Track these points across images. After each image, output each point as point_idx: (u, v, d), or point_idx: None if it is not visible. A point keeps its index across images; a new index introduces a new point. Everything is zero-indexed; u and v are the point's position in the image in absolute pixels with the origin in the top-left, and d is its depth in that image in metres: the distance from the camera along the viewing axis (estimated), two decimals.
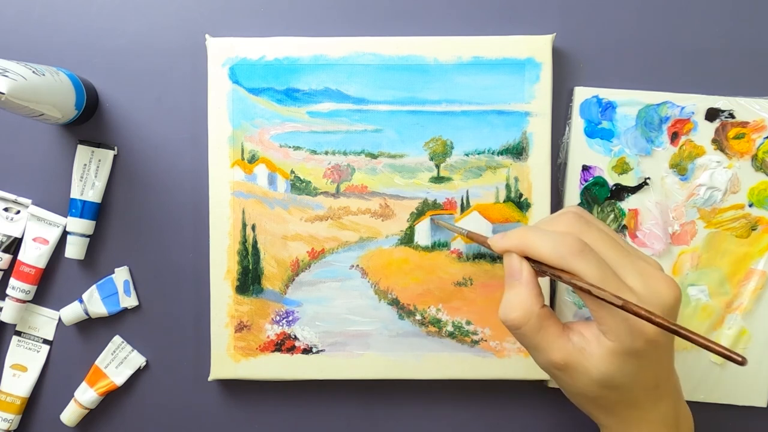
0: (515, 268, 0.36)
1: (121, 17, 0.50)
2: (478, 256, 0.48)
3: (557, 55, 0.49)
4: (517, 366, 0.48)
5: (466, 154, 0.48)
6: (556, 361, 0.34)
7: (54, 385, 0.51)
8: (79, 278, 0.51)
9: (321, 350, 0.49)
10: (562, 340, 0.35)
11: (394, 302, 0.49)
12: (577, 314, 0.49)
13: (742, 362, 0.28)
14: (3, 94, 0.38)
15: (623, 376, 0.34)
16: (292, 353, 0.49)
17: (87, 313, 0.50)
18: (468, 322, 0.48)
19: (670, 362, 0.36)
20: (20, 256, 0.50)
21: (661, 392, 0.35)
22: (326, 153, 0.48)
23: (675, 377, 0.37)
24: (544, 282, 0.48)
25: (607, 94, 0.49)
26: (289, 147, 0.48)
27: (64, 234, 0.50)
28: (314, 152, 0.48)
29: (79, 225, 0.49)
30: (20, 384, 0.51)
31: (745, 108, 0.48)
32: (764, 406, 0.49)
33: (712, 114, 0.48)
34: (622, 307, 0.31)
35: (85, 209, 0.49)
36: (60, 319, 0.51)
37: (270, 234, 0.49)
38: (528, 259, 0.36)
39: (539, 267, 0.35)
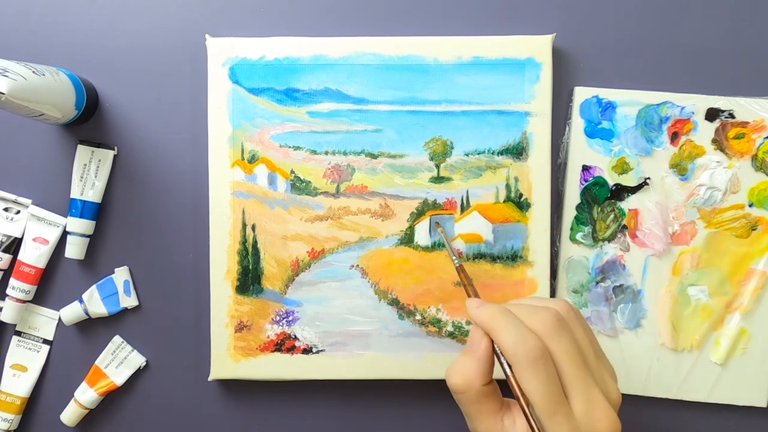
0: (476, 340, 0.37)
1: (121, 17, 0.50)
2: (478, 256, 0.48)
3: (557, 55, 0.49)
4: None
5: (466, 154, 0.48)
6: None
7: (54, 385, 0.51)
8: (79, 278, 0.51)
9: (321, 350, 0.49)
10: (492, 419, 0.36)
11: (394, 302, 0.49)
12: None
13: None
14: (3, 94, 0.38)
15: None
16: (292, 353, 0.49)
17: (87, 313, 0.50)
18: (468, 322, 0.48)
19: None
20: (20, 256, 0.50)
21: None
22: (326, 153, 0.48)
23: None
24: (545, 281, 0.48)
25: (607, 94, 0.49)
26: (289, 147, 0.48)
27: (64, 234, 0.50)
28: (314, 152, 0.48)
29: (79, 225, 0.49)
30: (20, 384, 0.51)
31: (745, 108, 0.48)
32: (764, 406, 0.49)
33: (712, 114, 0.48)
34: None
35: (85, 209, 0.49)
36: (60, 319, 0.51)
37: (270, 234, 0.49)
38: None
39: (497, 350, 0.36)
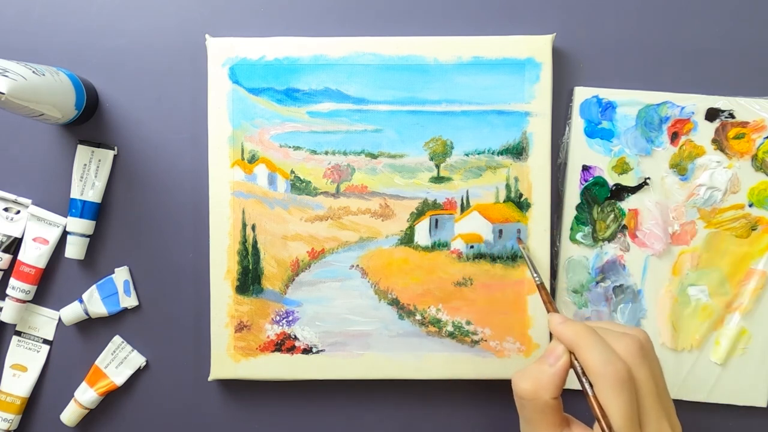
0: (555, 355, 0.37)
1: (121, 17, 0.50)
2: (478, 256, 0.48)
3: (557, 55, 0.49)
4: (517, 366, 0.48)
5: (466, 154, 0.48)
6: None
7: (54, 385, 0.51)
8: (79, 278, 0.51)
9: (321, 350, 0.49)
10: (553, 430, 0.36)
11: (394, 302, 0.49)
12: (577, 314, 0.49)
13: None
14: (3, 94, 0.38)
15: None
16: (292, 353, 0.49)
17: (87, 313, 0.50)
18: (468, 322, 0.48)
19: None
20: (20, 256, 0.50)
21: None
22: (326, 153, 0.48)
23: None
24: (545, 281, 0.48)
25: (607, 94, 0.49)
26: (289, 147, 0.48)
27: (64, 234, 0.50)
28: (314, 152, 0.48)
29: (79, 225, 0.49)
30: (20, 384, 0.51)
31: (745, 108, 0.48)
32: (764, 406, 0.49)
33: (712, 114, 0.48)
34: None
35: (85, 209, 0.49)
36: (60, 319, 0.51)
37: (270, 234, 0.49)
38: None
39: (577, 367, 0.36)
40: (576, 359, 0.36)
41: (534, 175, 0.48)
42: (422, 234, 0.49)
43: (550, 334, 0.42)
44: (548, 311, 0.41)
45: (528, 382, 0.36)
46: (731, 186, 0.48)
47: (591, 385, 0.35)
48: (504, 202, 0.48)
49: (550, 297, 0.42)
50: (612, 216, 0.49)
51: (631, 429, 0.33)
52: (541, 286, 0.43)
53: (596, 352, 0.35)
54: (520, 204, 0.48)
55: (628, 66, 0.50)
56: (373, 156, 0.48)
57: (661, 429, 0.34)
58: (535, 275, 0.44)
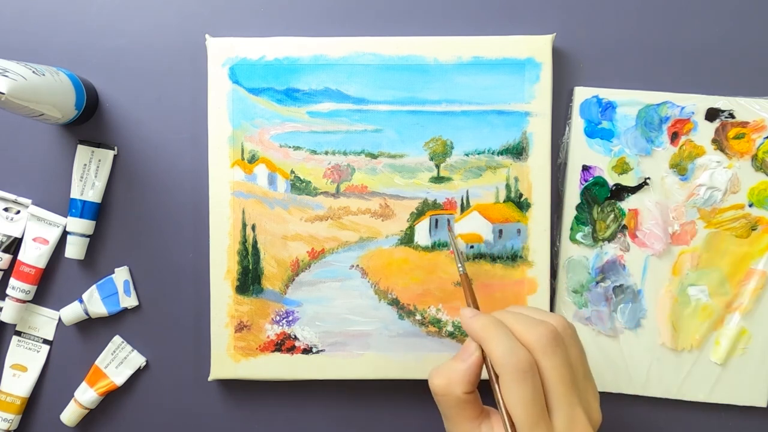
0: (469, 350, 0.37)
1: (121, 17, 0.50)
2: (478, 257, 0.48)
3: (557, 55, 0.49)
4: None
5: (466, 154, 0.48)
6: None
7: (54, 385, 0.51)
8: (79, 278, 0.51)
9: (321, 350, 0.49)
10: (470, 425, 0.36)
11: (394, 302, 0.49)
12: (576, 314, 0.49)
13: None
14: (3, 94, 0.38)
15: None
16: (292, 353, 0.49)
17: (87, 313, 0.50)
18: None
19: None
20: (20, 256, 0.50)
21: None
22: (326, 153, 0.48)
23: None
24: (545, 280, 0.48)
25: (607, 94, 0.49)
26: (289, 147, 0.48)
27: (64, 234, 0.50)
28: (314, 152, 0.48)
29: (79, 225, 0.49)
30: (20, 384, 0.51)
31: (745, 108, 0.48)
32: (764, 406, 0.49)
33: (712, 114, 0.48)
34: None
35: (85, 209, 0.49)
36: (60, 319, 0.51)
37: (270, 234, 0.49)
38: None
39: (488, 361, 0.36)
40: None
41: (534, 175, 0.48)
42: (422, 234, 0.49)
43: None
44: (466, 304, 0.41)
45: (440, 379, 0.37)
46: (731, 186, 0.48)
47: (497, 377, 0.35)
48: (504, 202, 0.48)
49: (471, 290, 0.42)
50: (612, 216, 0.49)
51: (534, 418, 0.33)
52: (464, 277, 0.43)
53: (499, 344, 0.35)
54: (520, 204, 0.48)
55: (628, 66, 0.50)
56: (373, 156, 0.48)
57: (574, 417, 0.34)
58: (459, 265, 0.44)
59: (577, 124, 0.49)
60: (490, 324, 0.36)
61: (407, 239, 0.49)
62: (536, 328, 0.36)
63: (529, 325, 0.36)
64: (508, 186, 0.48)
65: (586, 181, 0.49)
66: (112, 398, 0.51)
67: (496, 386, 0.35)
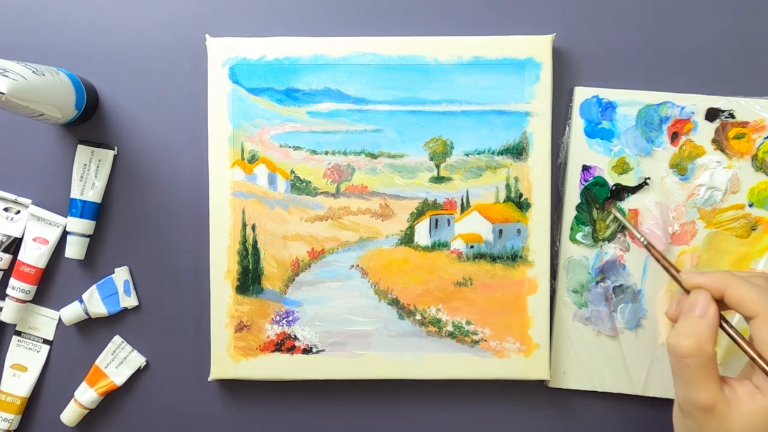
0: (702, 305, 0.37)
1: (121, 17, 0.50)
2: (478, 256, 0.48)
3: (557, 55, 0.49)
4: (517, 366, 0.48)
5: (466, 154, 0.48)
6: (702, 402, 0.35)
7: (54, 385, 0.51)
8: (79, 278, 0.51)
9: (321, 350, 0.49)
10: (715, 386, 0.35)
11: (394, 302, 0.49)
12: (577, 314, 0.49)
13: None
14: (3, 94, 0.38)
15: None
16: (292, 353, 0.49)
17: (87, 313, 0.50)
18: (468, 322, 0.48)
19: None
20: (20, 256, 0.50)
21: None
22: (326, 153, 0.48)
23: None
24: (544, 279, 0.48)
25: (607, 94, 0.49)
26: (289, 147, 0.48)
27: (64, 234, 0.50)
28: (314, 152, 0.48)
29: (79, 225, 0.49)
30: (20, 384, 0.51)
31: (745, 108, 0.48)
32: None
33: (712, 114, 0.48)
34: None
35: (85, 209, 0.49)
36: (60, 319, 0.51)
37: (270, 234, 0.49)
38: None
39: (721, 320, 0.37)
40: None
41: (534, 175, 0.48)
42: (422, 234, 0.49)
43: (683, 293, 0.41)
44: (677, 271, 0.41)
45: (690, 339, 0.36)
46: (731, 186, 0.48)
47: (749, 319, 0.35)
48: (504, 202, 0.48)
49: (666, 258, 0.43)
50: (612, 216, 0.49)
51: None
52: (650, 246, 0.44)
53: (748, 291, 0.35)
54: (520, 204, 0.48)
55: (628, 66, 0.50)
56: (373, 156, 0.48)
57: None
58: (640, 236, 0.45)
59: (577, 124, 0.49)
60: (727, 274, 0.37)
61: (407, 239, 0.49)
62: (756, 278, 0.37)
63: (749, 277, 0.38)
64: (508, 186, 0.48)
65: (586, 181, 0.49)
66: (112, 398, 0.51)
67: (740, 339, 0.35)
